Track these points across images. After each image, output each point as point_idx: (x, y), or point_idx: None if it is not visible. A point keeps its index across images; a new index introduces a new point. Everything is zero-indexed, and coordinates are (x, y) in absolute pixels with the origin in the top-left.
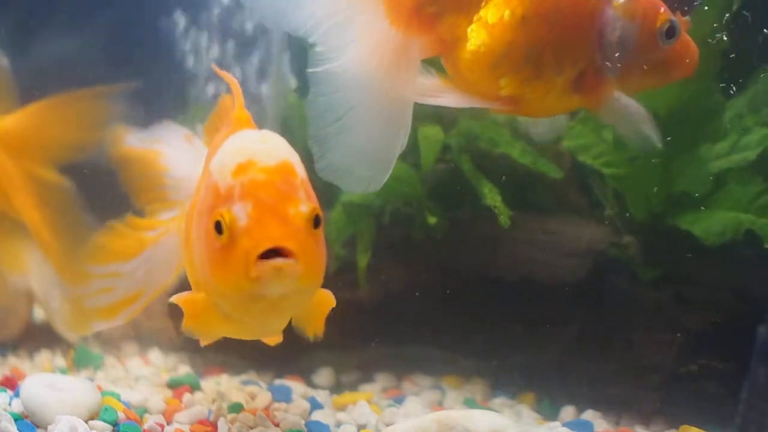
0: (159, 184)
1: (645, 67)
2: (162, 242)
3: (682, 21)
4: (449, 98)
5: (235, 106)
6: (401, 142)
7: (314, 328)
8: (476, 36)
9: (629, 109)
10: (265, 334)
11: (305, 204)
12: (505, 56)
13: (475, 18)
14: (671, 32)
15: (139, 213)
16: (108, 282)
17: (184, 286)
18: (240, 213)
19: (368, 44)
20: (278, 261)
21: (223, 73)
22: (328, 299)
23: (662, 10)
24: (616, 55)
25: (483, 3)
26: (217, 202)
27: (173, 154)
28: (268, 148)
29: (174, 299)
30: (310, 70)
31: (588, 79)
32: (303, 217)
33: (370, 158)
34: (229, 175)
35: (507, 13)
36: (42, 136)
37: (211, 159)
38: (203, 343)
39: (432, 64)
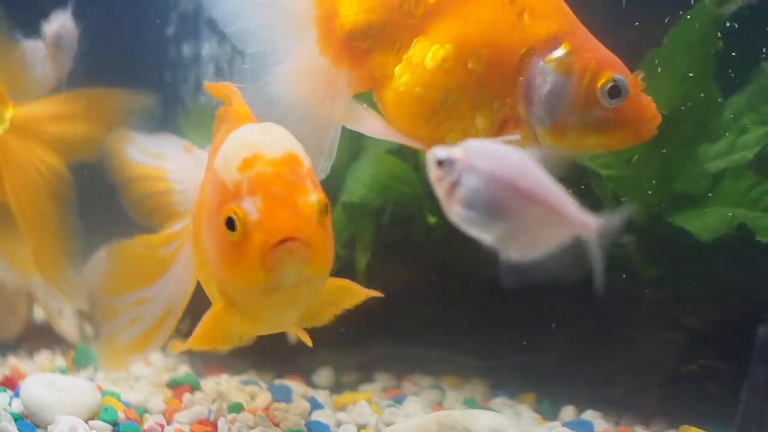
0: (168, 201)
1: (586, 126)
2: (179, 257)
3: (632, 80)
4: (377, 129)
5: (233, 102)
6: (323, 167)
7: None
8: (400, 75)
9: None
10: (280, 327)
11: (314, 193)
12: (423, 97)
13: (404, 58)
14: (615, 92)
15: (146, 227)
16: (135, 311)
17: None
18: (250, 208)
19: (296, 68)
20: (291, 244)
21: (214, 86)
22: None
23: (609, 66)
24: (547, 110)
25: (412, 44)
26: (225, 199)
27: (177, 169)
28: (272, 140)
29: (196, 338)
30: (236, 84)
31: (510, 129)
32: (313, 207)
33: None
34: (235, 171)
35: (429, 55)
36: (57, 129)
37: (213, 157)
38: (222, 350)
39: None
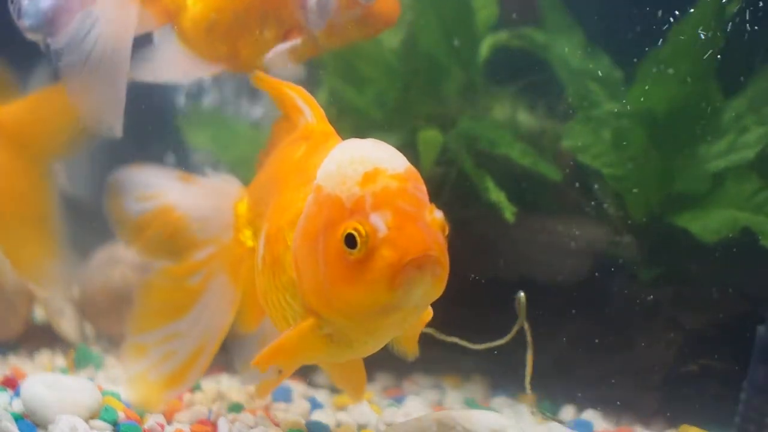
0: (183, 230)
1: (351, 22)
2: (210, 287)
3: None
4: (179, 57)
5: (311, 119)
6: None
7: (411, 347)
8: (194, 5)
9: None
10: (365, 354)
11: (437, 210)
12: (217, 21)
13: None
14: None
15: None
16: (167, 347)
17: None
18: (378, 223)
19: (106, 10)
20: (423, 262)
21: (287, 87)
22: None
23: None
24: (320, 14)
25: None
26: (341, 216)
27: (184, 198)
28: (389, 155)
29: (274, 349)
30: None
31: (294, 36)
32: (439, 223)
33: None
34: (355, 186)
35: None
36: (43, 126)
37: (287, 183)
38: (286, 375)
39: None
